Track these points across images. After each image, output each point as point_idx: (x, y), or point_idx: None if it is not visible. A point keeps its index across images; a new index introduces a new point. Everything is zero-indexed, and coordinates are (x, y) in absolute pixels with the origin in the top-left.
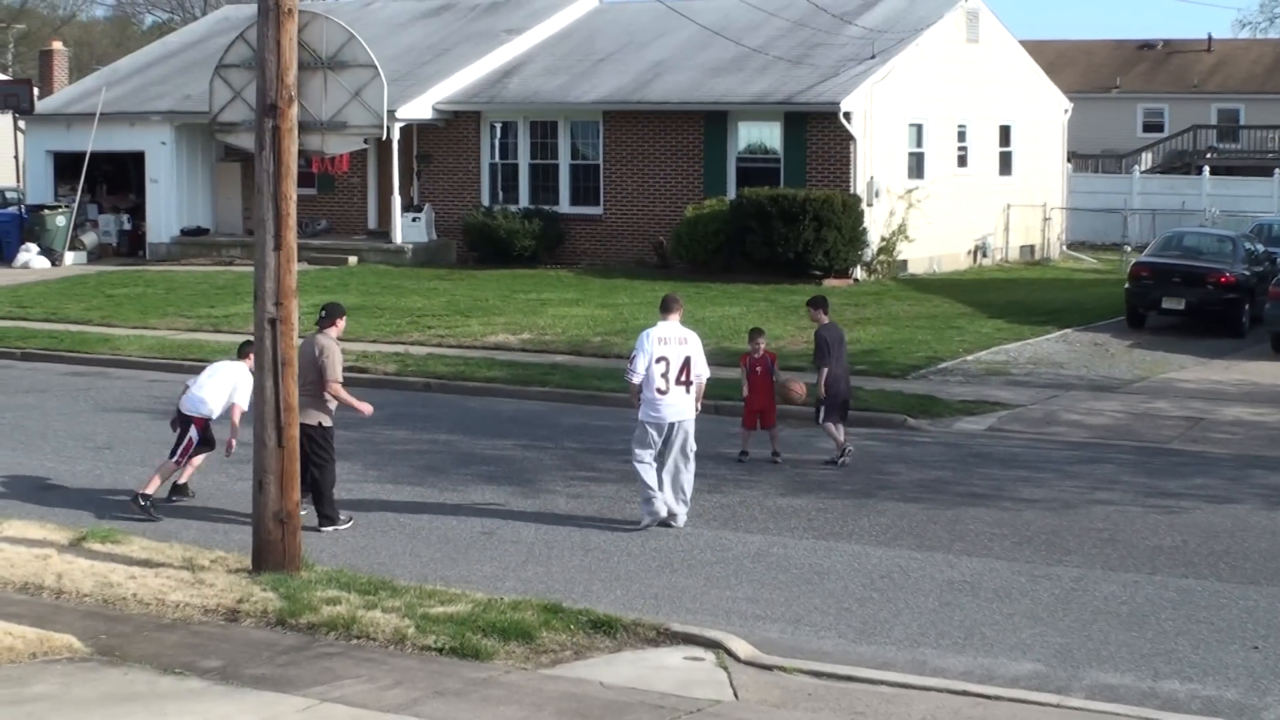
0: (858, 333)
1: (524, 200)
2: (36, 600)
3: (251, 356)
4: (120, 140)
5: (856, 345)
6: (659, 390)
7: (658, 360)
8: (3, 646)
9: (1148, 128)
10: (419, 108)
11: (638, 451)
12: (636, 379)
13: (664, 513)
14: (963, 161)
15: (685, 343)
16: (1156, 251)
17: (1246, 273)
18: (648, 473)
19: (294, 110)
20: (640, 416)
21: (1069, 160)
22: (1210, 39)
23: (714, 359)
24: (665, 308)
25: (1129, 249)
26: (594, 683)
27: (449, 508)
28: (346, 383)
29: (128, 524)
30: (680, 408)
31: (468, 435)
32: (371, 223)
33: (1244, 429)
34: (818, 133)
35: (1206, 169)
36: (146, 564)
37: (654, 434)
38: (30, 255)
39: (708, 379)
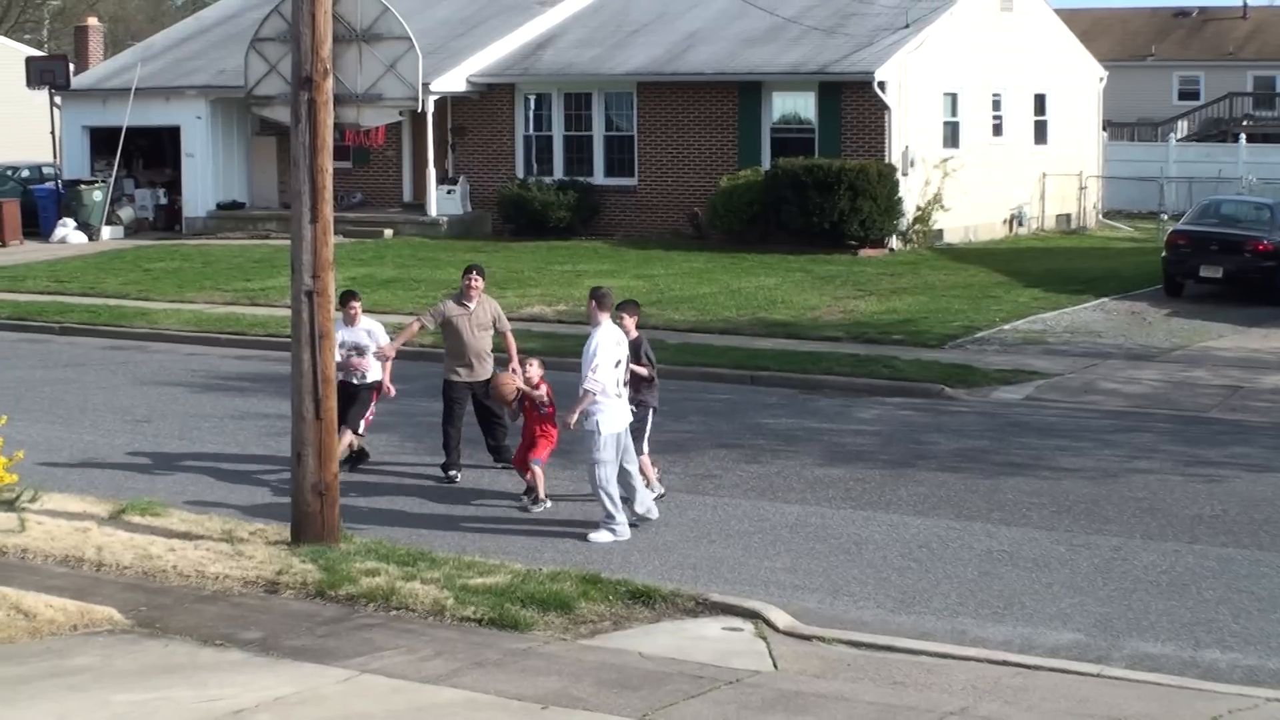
0: (894, 303)
1: (558, 172)
2: (77, 573)
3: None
4: (156, 115)
5: (893, 315)
6: (617, 395)
7: (616, 364)
8: (44, 619)
9: (1183, 95)
10: (453, 80)
11: (604, 469)
12: (599, 388)
13: (627, 534)
14: (998, 130)
15: (622, 344)
16: (1193, 220)
17: None
18: (615, 490)
19: (329, 83)
20: (601, 428)
21: (1104, 129)
22: (1246, 6)
23: (749, 329)
24: (620, 307)
25: (1165, 217)
26: (633, 653)
27: (486, 479)
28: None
29: (166, 495)
30: (629, 410)
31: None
32: (406, 195)
33: None
34: (852, 102)
35: (1243, 136)
36: (186, 536)
37: (614, 444)
38: (67, 230)
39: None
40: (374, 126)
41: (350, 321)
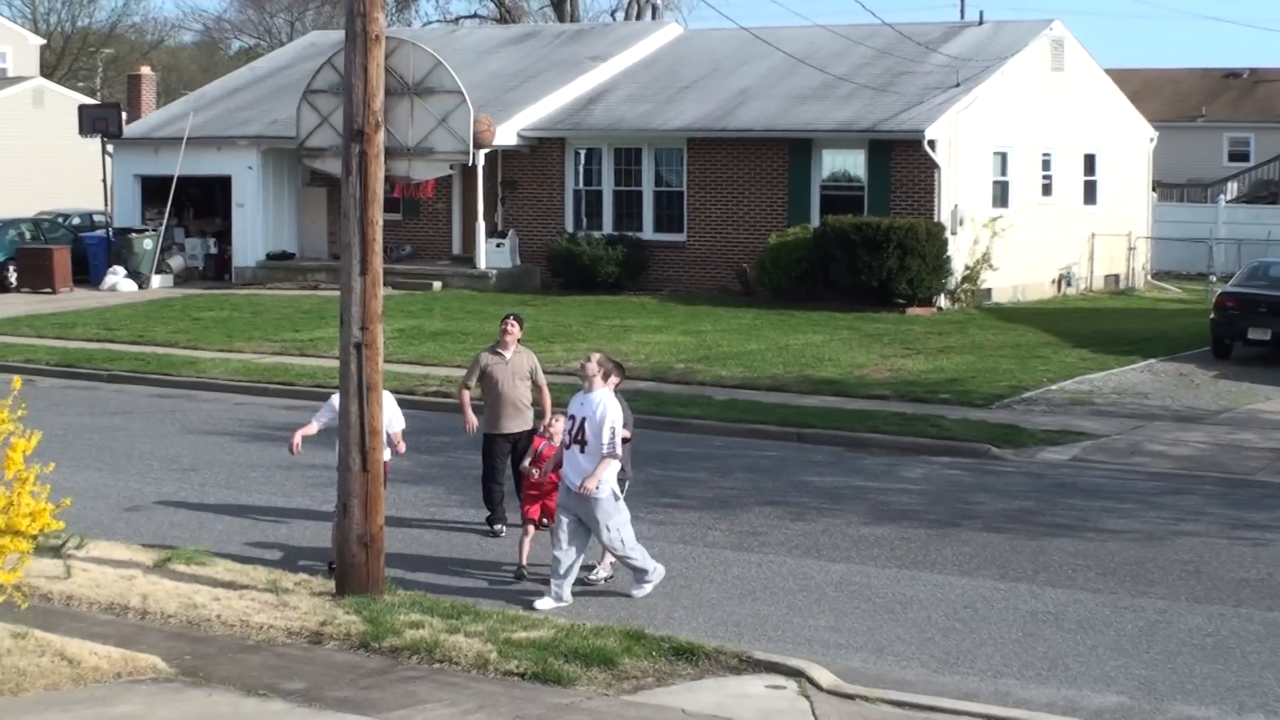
0: (941, 362)
1: (608, 226)
2: (122, 620)
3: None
4: (207, 164)
5: (940, 374)
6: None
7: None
8: (88, 666)
9: (1233, 157)
10: (504, 134)
11: (628, 531)
12: (621, 454)
13: (663, 570)
14: (1047, 190)
15: None
16: (1242, 281)
17: None
18: (636, 543)
19: (381, 136)
20: (618, 492)
21: (1154, 189)
22: None
23: (796, 386)
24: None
25: (1214, 279)
26: (676, 710)
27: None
28: (431, 408)
29: (212, 544)
30: None
31: None
32: (456, 248)
33: None
34: (902, 160)
35: None
36: (231, 586)
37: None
38: (117, 278)
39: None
40: (425, 180)
41: None
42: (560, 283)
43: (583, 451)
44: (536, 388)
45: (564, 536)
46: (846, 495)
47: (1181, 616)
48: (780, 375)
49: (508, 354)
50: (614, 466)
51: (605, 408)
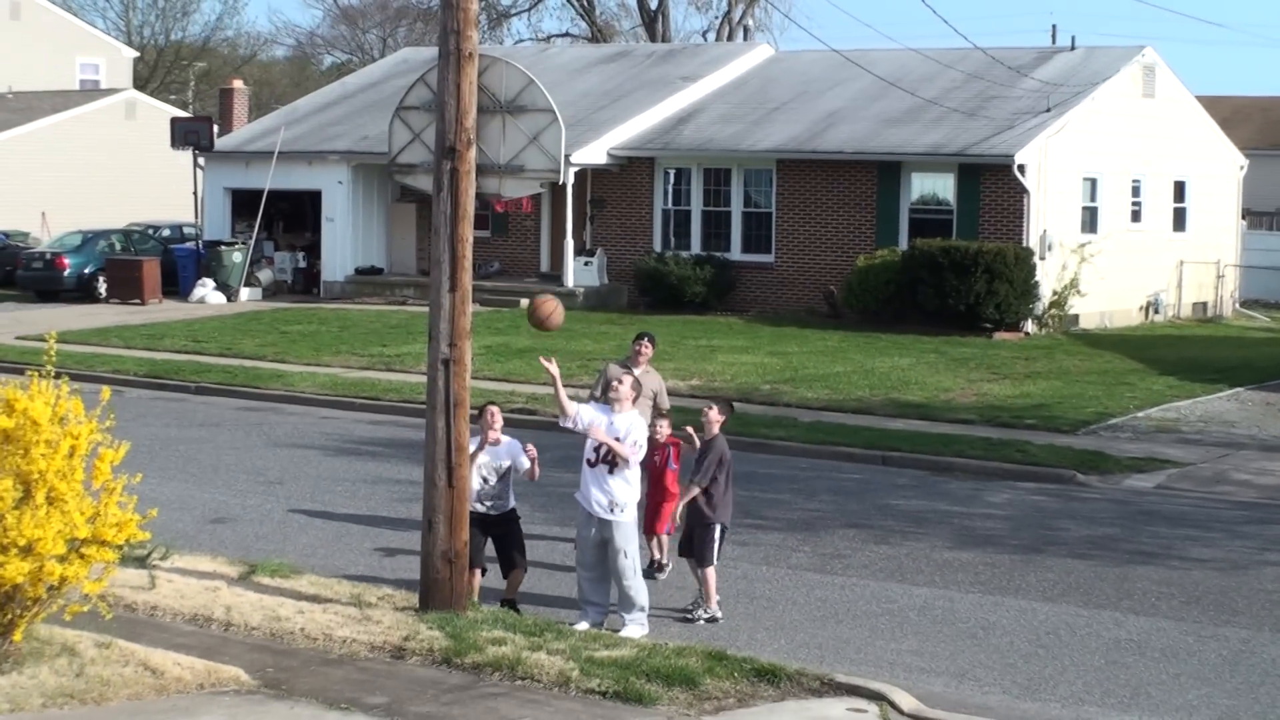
0: (1027, 387)
1: (695, 246)
2: (205, 632)
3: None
4: (297, 179)
5: (1026, 399)
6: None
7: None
8: (171, 677)
9: None
10: (594, 153)
11: (640, 564)
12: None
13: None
14: (1136, 217)
15: None
16: None
17: None
18: None
19: (472, 153)
20: (636, 518)
21: (1244, 217)
22: None
23: (882, 409)
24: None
25: None
26: None
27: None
28: (516, 424)
29: (296, 557)
30: None
31: None
32: (544, 266)
33: None
34: (991, 185)
35: None
36: (314, 599)
37: None
38: (206, 290)
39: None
40: (514, 197)
41: (489, 433)
42: (647, 302)
43: (610, 473)
44: (658, 410)
45: (589, 561)
46: (931, 519)
47: (1265, 647)
48: (866, 398)
49: (637, 371)
50: (635, 482)
51: (633, 432)
